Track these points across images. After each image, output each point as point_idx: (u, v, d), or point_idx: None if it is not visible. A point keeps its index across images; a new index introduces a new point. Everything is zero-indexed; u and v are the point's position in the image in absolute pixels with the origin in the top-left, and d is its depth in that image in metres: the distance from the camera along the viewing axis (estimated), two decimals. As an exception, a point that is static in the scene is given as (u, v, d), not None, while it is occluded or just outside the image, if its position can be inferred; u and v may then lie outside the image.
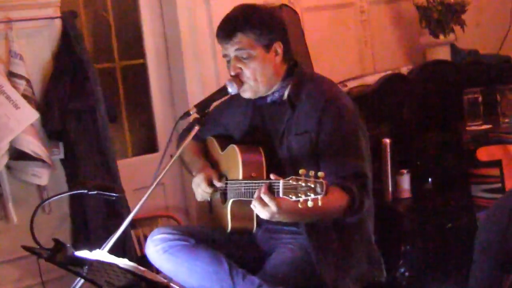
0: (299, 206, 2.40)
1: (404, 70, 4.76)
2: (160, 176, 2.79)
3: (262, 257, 2.97)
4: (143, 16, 4.30)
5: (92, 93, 3.67)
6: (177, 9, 4.20)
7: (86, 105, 3.66)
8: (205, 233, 3.07)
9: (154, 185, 2.78)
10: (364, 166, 2.86)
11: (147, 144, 4.40)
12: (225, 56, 2.92)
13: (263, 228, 2.99)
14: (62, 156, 3.71)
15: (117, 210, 3.70)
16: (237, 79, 2.90)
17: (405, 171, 4.28)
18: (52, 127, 3.62)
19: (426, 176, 4.33)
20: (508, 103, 4.16)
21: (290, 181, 2.43)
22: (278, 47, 2.90)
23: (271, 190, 2.51)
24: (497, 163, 3.79)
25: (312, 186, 2.38)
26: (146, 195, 2.79)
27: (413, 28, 5.17)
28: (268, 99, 2.98)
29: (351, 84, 4.57)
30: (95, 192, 2.84)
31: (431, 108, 4.51)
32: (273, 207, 2.50)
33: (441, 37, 4.90)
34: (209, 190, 3.02)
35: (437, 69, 4.70)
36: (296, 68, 2.99)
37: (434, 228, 4.11)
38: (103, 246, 2.69)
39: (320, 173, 2.39)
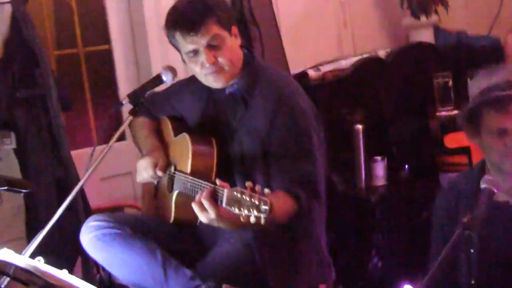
0: (241, 220, 2.37)
1: (382, 53, 4.69)
2: (92, 167, 2.76)
3: (204, 250, 2.94)
4: (108, 0, 4.25)
5: (42, 80, 3.58)
6: (142, -7, 4.16)
7: (36, 93, 3.59)
8: (144, 222, 3.04)
9: (85, 177, 2.77)
10: (315, 171, 2.82)
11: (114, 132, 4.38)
12: (192, 52, 2.81)
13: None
14: (14, 146, 3.66)
15: (71, 202, 3.58)
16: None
17: (379, 158, 4.24)
18: (-1, 116, 3.59)
19: (402, 163, 4.30)
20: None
21: (235, 193, 2.38)
22: (236, 29, 2.89)
23: (215, 197, 2.48)
24: (466, 150, 3.69)
25: (257, 203, 2.33)
26: (78, 187, 2.78)
27: (396, 9, 5.07)
28: (227, 91, 2.93)
29: (326, 69, 4.51)
30: (6, 188, 2.77)
31: (408, 93, 4.46)
32: (212, 214, 2.48)
33: (423, 18, 4.82)
34: (154, 176, 2.96)
35: (417, 52, 4.66)
36: (251, 58, 2.96)
37: (408, 218, 4.07)
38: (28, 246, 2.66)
39: (266, 190, 2.34)
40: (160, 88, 3.07)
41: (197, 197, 2.52)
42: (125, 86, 4.26)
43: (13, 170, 3.68)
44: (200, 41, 2.79)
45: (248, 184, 2.38)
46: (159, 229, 2.98)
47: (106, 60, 4.35)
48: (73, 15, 4.25)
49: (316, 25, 4.88)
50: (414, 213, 4.03)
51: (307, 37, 4.81)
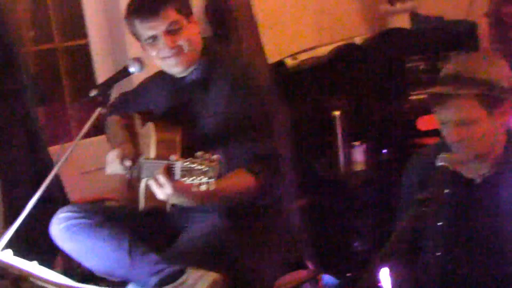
0: (193, 189, 2.45)
1: (359, 40, 4.76)
2: (62, 160, 2.80)
3: (175, 236, 3.02)
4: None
5: (17, 76, 3.62)
6: (117, -15, 4.19)
7: (11, 88, 3.62)
8: (115, 212, 3.13)
9: (55, 170, 2.82)
10: (273, 149, 2.92)
11: (93, 126, 4.42)
12: (151, 38, 2.90)
13: (179, 207, 2.99)
14: None
15: (51, 194, 3.55)
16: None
17: (357, 143, 4.30)
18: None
19: (380, 148, 4.36)
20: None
21: (187, 163, 2.46)
22: (194, 18, 2.98)
23: (169, 172, 2.55)
24: (437, 132, 3.75)
25: (206, 169, 2.42)
26: (48, 179, 2.81)
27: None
28: (188, 79, 3.03)
29: (303, 57, 4.59)
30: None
31: (385, 78, 4.50)
32: (168, 189, 2.55)
33: (398, 4, 4.90)
34: (122, 167, 3.03)
35: (393, 38, 4.69)
36: (211, 45, 3.07)
37: (388, 200, 4.03)
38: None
39: (214, 156, 2.43)
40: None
41: (153, 175, 2.60)
42: (103, 80, 4.30)
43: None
44: (159, 27, 2.87)
45: (199, 153, 2.45)
46: (130, 218, 3.04)
47: (83, 55, 4.36)
48: (49, 10, 4.25)
49: (294, 13, 4.93)
50: (394, 195, 4.10)
51: (285, 25, 4.86)
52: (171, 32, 2.90)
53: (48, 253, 3.53)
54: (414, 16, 4.99)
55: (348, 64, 4.47)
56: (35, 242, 3.28)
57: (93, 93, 2.90)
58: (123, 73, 2.98)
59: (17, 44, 3.69)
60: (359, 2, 5.21)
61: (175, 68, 2.99)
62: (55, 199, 3.54)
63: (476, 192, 2.67)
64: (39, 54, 4.26)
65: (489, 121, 2.53)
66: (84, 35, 4.35)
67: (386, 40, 4.66)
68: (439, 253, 2.68)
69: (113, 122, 3.29)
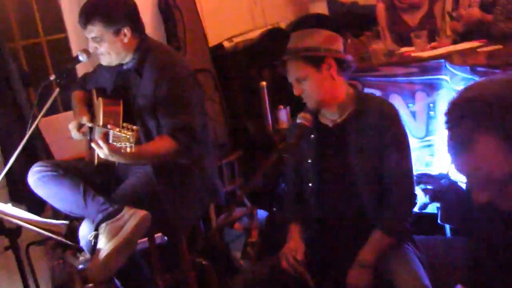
0: (122, 151, 2.70)
1: (283, 24, 4.95)
2: (27, 135, 3.07)
3: (120, 183, 3.22)
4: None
5: (4, 65, 3.80)
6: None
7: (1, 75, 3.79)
8: (75, 166, 3.29)
9: (21, 146, 3.06)
10: (192, 121, 3.10)
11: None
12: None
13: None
14: None
15: (38, 157, 3.86)
16: (87, 50, 3.17)
17: (281, 106, 4.55)
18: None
19: (299, 110, 4.58)
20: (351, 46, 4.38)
21: (116, 131, 2.69)
22: (127, 31, 3.13)
23: (107, 137, 2.75)
24: None
25: (128, 136, 2.67)
26: (13, 157, 3.07)
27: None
28: (125, 67, 3.24)
29: (237, 39, 4.79)
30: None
31: None
32: (105, 150, 2.75)
33: None
34: (80, 133, 3.22)
35: (311, 22, 4.91)
36: (145, 42, 3.22)
37: None
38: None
39: (135, 127, 2.69)
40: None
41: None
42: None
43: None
44: (87, 35, 3.15)
45: (125, 124, 2.70)
46: (87, 170, 3.24)
47: (65, 48, 4.44)
48: (33, 7, 4.27)
49: (231, 2, 5.03)
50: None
51: (224, 14, 4.96)
52: (95, 41, 3.13)
53: (38, 205, 3.74)
54: (331, 2, 5.13)
55: (273, 44, 4.63)
56: (28, 195, 3.38)
57: (52, 77, 3.11)
58: (75, 61, 3.21)
59: (1, 39, 3.84)
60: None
61: (104, 63, 3.23)
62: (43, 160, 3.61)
63: (330, 135, 2.90)
64: (26, 48, 4.29)
65: (319, 75, 2.79)
66: (64, 30, 4.43)
67: (305, 24, 4.58)
68: (311, 185, 2.92)
69: (75, 96, 3.43)
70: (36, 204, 3.65)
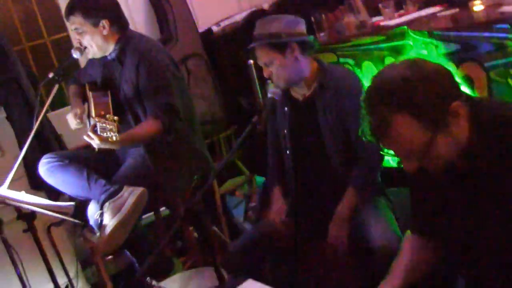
0: (109, 140, 2.79)
1: (266, 6, 4.97)
2: (34, 130, 3.14)
3: (119, 166, 3.36)
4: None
5: (13, 67, 3.89)
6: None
7: (11, 76, 3.90)
8: (79, 154, 3.41)
9: (31, 136, 3.13)
10: (173, 102, 3.18)
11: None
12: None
13: (122, 146, 3.21)
14: (4, 115, 4.05)
15: (50, 147, 4.02)
16: (80, 47, 3.25)
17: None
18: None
19: None
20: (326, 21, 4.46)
21: (101, 123, 2.78)
22: (106, 23, 3.20)
23: (95, 129, 2.83)
24: None
25: (110, 127, 2.77)
26: (24, 148, 3.14)
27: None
28: (109, 57, 3.31)
29: (224, 23, 4.87)
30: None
31: None
32: (96, 140, 2.84)
33: None
34: (77, 124, 3.31)
35: (291, 2, 4.94)
36: (126, 35, 3.29)
37: None
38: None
39: (115, 117, 2.79)
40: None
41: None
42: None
43: (7, 132, 4.02)
44: (71, 26, 3.25)
45: (108, 116, 2.78)
46: (89, 157, 3.35)
47: (68, 46, 4.48)
48: (34, 9, 4.35)
49: None
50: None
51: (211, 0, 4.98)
52: (77, 33, 3.21)
53: (53, 192, 3.72)
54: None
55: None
56: (44, 184, 3.45)
57: (51, 75, 3.18)
58: (70, 58, 3.28)
59: (8, 43, 3.93)
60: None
61: (89, 56, 3.30)
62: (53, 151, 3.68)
63: (301, 108, 2.98)
64: (33, 48, 4.38)
65: (283, 59, 2.84)
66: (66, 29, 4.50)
67: (284, 5, 4.92)
68: (288, 152, 3.00)
69: (71, 90, 3.49)
70: (53, 190, 3.69)
